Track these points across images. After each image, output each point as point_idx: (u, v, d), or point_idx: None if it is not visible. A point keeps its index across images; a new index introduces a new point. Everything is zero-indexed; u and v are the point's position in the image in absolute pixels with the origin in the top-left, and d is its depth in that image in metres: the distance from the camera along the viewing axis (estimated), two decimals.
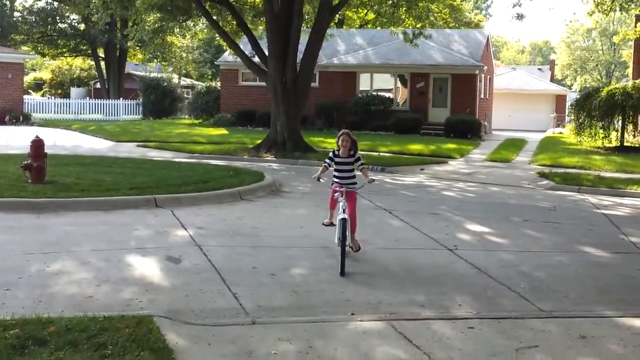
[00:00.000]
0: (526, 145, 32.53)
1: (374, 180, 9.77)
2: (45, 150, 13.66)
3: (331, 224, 9.60)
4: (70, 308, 6.68)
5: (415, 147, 26.92)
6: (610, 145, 30.35)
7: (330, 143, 27.24)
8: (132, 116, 46.56)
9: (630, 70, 41.78)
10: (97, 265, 8.37)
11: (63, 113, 45.17)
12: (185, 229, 10.47)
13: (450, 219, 12.63)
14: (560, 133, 42.57)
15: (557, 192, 17.28)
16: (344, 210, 8.90)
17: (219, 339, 6.16)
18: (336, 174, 9.39)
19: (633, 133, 31.87)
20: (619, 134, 30.84)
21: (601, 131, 30.87)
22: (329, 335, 6.35)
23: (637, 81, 31.92)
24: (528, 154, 27.66)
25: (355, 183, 9.43)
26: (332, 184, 9.42)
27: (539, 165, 23.36)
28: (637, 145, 30.86)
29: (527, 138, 37.32)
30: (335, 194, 9.25)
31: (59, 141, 25.03)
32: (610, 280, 9.05)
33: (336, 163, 9.36)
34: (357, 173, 9.58)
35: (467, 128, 34.73)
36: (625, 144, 30.53)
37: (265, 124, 29.68)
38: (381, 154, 24.68)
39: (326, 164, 9.45)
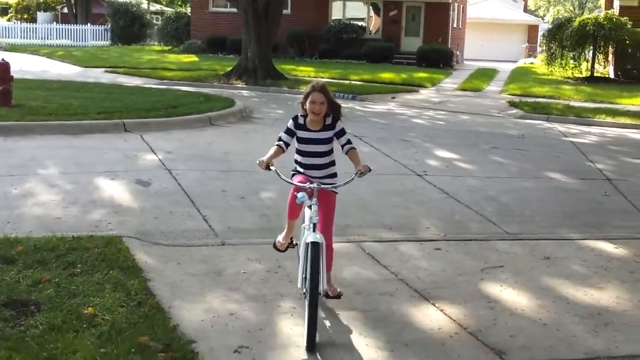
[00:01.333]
0: (497, 75, 32.55)
1: (369, 169, 5.26)
2: (12, 74, 13.40)
3: (290, 245, 5.75)
4: (39, 229, 6.65)
5: (387, 75, 26.79)
6: (581, 75, 30.45)
7: (302, 71, 27.06)
8: (101, 42, 45.63)
9: (602, 2, 41.66)
10: (65, 187, 8.31)
11: (30, 38, 44.14)
12: (155, 153, 10.40)
13: (420, 146, 12.68)
14: (532, 63, 42.59)
15: (526, 120, 17.40)
16: (314, 227, 5.07)
17: (189, 259, 6.20)
18: (301, 159, 5.44)
19: (603, 64, 31.97)
20: (590, 65, 30.91)
21: (572, 61, 30.92)
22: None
23: (609, 12, 31.88)
24: (499, 84, 27.70)
25: (335, 176, 5.52)
26: (293, 175, 5.48)
27: (509, 94, 23.43)
28: (607, 76, 31.02)
29: (499, 68, 37.31)
30: (299, 196, 5.08)
31: (25, 66, 24.52)
32: (575, 205, 9.20)
33: (300, 140, 5.37)
34: (338, 158, 5.58)
35: (439, 57, 34.58)
36: (595, 74, 30.63)
37: (237, 51, 29.24)
38: (352, 82, 24.54)
39: (281, 143, 5.35)
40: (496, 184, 10.02)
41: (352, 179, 5.26)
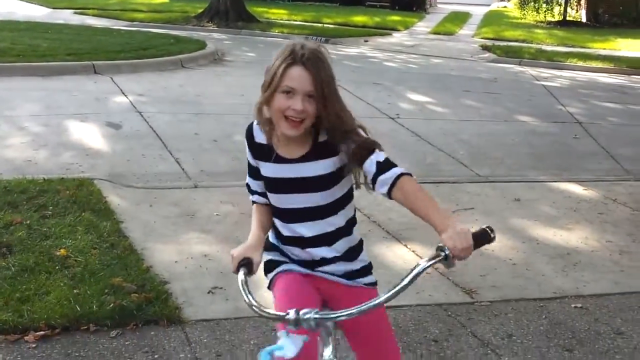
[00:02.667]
0: (470, 19, 32.38)
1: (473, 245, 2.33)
2: None
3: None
4: (9, 172, 6.57)
5: (360, 19, 26.53)
6: (553, 19, 30.40)
7: (274, 14, 26.69)
8: None
9: None
10: (35, 130, 8.19)
11: None
12: (126, 95, 10.26)
13: (392, 89, 12.65)
14: (505, 7, 42.37)
15: (498, 64, 17.40)
16: None
17: (162, 201, 6.18)
18: (279, 225, 2.63)
19: (576, 7, 31.93)
20: (562, 9, 30.86)
21: (545, 5, 30.86)
22: None
23: None
24: (472, 27, 27.59)
25: (357, 253, 2.68)
26: (273, 280, 2.71)
27: (482, 38, 23.38)
28: (579, 20, 31.00)
29: (472, 12, 37.07)
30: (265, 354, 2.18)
31: None
32: (546, 148, 9.28)
33: (268, 183, 2.59)
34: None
35: (413, 0, 34.28)
36: (568, 18, 30.59)
37: None
38: (325, 25, 24.29)
39: (255, 198, 2.67)
40: (468, 127, 10.06)
41: (425, 267, 2.27)
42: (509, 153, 8.88)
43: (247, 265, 2.40)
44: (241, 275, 2.37)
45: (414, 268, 2.24)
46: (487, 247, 5.72)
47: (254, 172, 2.62)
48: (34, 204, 5.58)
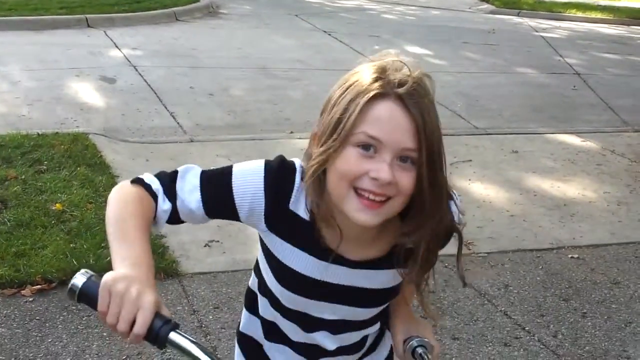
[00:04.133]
0: None
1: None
2: None
3: None
4: (3, 127, 6.50)
5: None
6: None
7: None
8: None
9: None
10: (29, 85, 8.10)
11: None
12: (120, 49, 10.14)
13: (390, 41, 12.50)
14: None
15: (497, 15, 17.20)
16: None
17: (157, 156, 6.14)
18: (290, 329, 1.70)
19: None
20: None
21: None
22: (268, 152, 6.37)
23: None
24: None
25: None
26: None
27: None
28: None
29: None
30: None
31: None
32: (545, 100, 9.22)
33: (294, 281, 1.59)
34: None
35: None
36: None
37: None
38: None
39: (164, 203, 1.54)
40: (466, 79, 9.97)
41: None
42: (507, 105, 8.81)
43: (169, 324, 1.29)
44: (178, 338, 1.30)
45: None
46: (484, 199, 5.75)
47: (220, 210, 1.54)
48: (28, 158, 5.54)
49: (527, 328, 4.03)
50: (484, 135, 7.48)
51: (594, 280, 4.64)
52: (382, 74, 1.38)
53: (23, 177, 5.22)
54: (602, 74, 10.97)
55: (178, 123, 7.19)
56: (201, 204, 1.51)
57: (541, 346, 3.87)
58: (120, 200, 1.48)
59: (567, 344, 3.90)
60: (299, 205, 1.51)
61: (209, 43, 11.25)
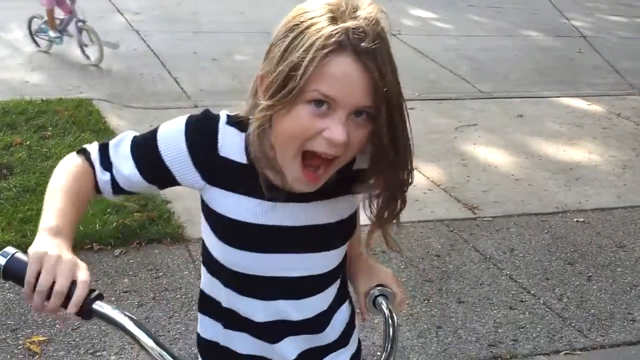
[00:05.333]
0: None
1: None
2: None
3: None
4: (6, 92, 6.48)
5: None
6: None
7: None
8: None
9: None
10: (31, 51, 8.06)
11: None
12: (122, 14, 10.05)
13: (394, 4, 12.36)
14: None
15: None
16: None
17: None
18: (225, 296, 1.54)
19: None
20: None
21: None
22: None
23: None
24: None
25: (347, 340, 1.66)
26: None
27: None
28: None
29: None
30: None
31: None
32: (550, 63, 9.15)
33: (244, 235, 1.46)
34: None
35: None
36: None
37: None
38: None
39: (104, 173, 1.51)
40: (472, 42, 9.89)
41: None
42: (513, 68, 8.75)
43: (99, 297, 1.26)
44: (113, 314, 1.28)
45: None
46: (489, 164, 5.73)
47: (156, 174, 1.47)
48: (33, 124, 5.53)
49: (532, 291, 4.04)
50: (489, 99, 7.44)
51: (599, 244, 4.64)
52: (336, 18, 1.24)
53: (28, 143, 5.21)
54: (608, 36, 10.88)
55: (182, 88, 7.16)
56: (137, 172, 1.45)
57: (547, 309, 3.88)
58: (58, 172, 1.45)
59: (572, 307, 3.91)
60: (230, 150, 1.41)
61: (212, 7, 11.15)
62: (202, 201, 1.49)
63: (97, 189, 1.50)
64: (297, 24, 1.27)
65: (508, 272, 4.20)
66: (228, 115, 1.45)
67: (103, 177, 1.48)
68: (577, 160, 6.00)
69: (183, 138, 1.42)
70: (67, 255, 1.23)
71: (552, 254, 4.47)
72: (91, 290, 1.23)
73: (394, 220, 1.46)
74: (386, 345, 1.54)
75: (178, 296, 3.80)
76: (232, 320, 1.53)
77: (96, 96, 6.48)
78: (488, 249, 4.48)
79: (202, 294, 1.59)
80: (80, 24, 7.69)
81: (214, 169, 1.41)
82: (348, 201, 1.48)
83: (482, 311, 3.84)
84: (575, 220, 4.95)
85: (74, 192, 1.41)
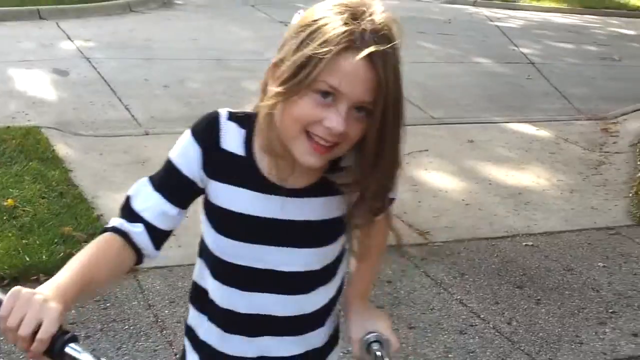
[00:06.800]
0: None
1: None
2: None
3: None
4: None
5: None
6: None
7: None
8: None
9: None
10: None
11: None
12: (72, 41, 9.97)
13: None
14: None
15: (452, 5, 17.27)
16: None
17: (111, 149, 6.06)
18: (214, 288, 1.63)
19: None
20: None
21: None
22: None
23: None
24: None
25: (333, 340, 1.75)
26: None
27: None
28: None
29: None
30: None
31: None
32: (500, 89, 9.31)
33: (237, 225, 1.56)
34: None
35: None
36: None
37: None
38: None
39: (134, 224, 1.55)
40: (422, 69, 10.00)
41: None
42: (463, 95, 8.88)
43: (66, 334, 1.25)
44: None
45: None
46: (440, 189, 5.79)
47: (181, 191, 1.55)
48: None
49: (482, 316, 4.07)
50: (440, 125, 7.53)
51: (548, 267, 4.70)
52: (351, 20, 1.35)
53: None
54: (556, 62, 11.11)
55: (132, 115, 7.10)
56: (165, 200, 1.53)
57: (496, 333, 3.91)
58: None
59: (521, 331, 3.95)
60: (231, 143, 1.52)
61: (163, 34, 11.13)
62: (204, 200, 1.58)
63: (136, 252, 1.53)
64: (316, 20, 1.38)
65: (458, 297, 4.23)
66: (229, 112, 1.56)
67: (136, 229, 1.52)
68: (526, 184, 6.09)
69: (192, 140, 1.53)
70: (41, 296, 1.25)
71: (502, 277, 4.51)
72: (64, 332, 1.23)
73: (390, 231, 1.65)
74: None
75: (126, 327, 3.74)
76: (214, 312, 1.61)
77: (45, 124, 6.39)
78: (439, 273, 4.51)
79: (194, 285, 1.68)
80: None
81: (216, 162, 1.52)
82: (341, 201, 1.55)
83: (433, 336, 3.86)
84: (524, 244, 5.02)
85: (91, 255, 1.44)
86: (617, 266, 4.77)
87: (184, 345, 1.74)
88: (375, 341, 1.61)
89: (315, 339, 1.66)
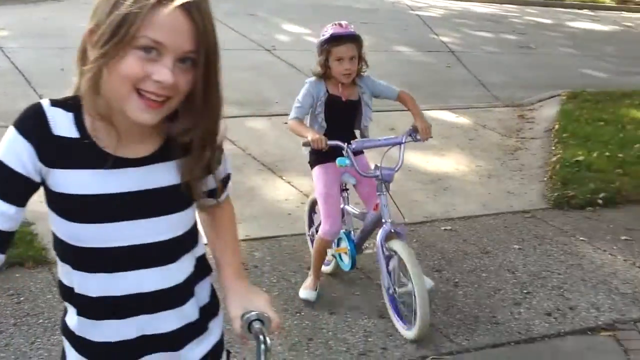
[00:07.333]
0: None
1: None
2: None
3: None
4: None
5: None
6: None
7: None
8: None
9: None
10: None
11: None
12: None
13: (269, 20, 12.47)
14: None
15: None
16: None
17: None
18: (93, 284, 1.56)
19: None
20: None
21: None
22: None
23: None
24: None
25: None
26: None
27: None
28: None
29: None
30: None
31: None
32: (421, 77, 9.42)
33: (85, 208, 1.51)
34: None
35: None
36: None
37: None
38: None
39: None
40: None
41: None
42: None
43: None
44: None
45: None
46: None
47: (16, 189, 1.48)
48: None
49: None
50: None
51: (465, 250, 4.79)
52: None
53: None
54: (475, 51, 11.32)
55: None
56: (2, 201, 1.46)
57: None
58: None
59: (439, 314, 4.01)
60: (62, 128, 1.48)
61: (80, 22, 10.79)
62: (45, 191, 1.51)
63: None
64: None
65: (378, 282, 4.26)
66: (50, 100, 1.51)
67: None
68: (446, 170, 6.19)
69: (19, 136, 1.46)
70: None
71: (421, 262, 4.54)
72: None
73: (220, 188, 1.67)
74: None
75: (40, 321, 3.65)
76: (85, 304, 1.56)
77: None
78: (358, 259, 4.53)
79: (59, 283, 1.62)
80: None
81: (51, 151, 1.46)
82: (183, 165, 1.55)
83: (353, 321, 3.88)
84: (442, 228, 5.10)
85: None
86: (532, 248, 4.90)
87: (63, 346, 1.67)
88: (256, 319, 1.61)
89: (190, 310, 1.64)
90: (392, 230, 3.74)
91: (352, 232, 4.17)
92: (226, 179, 1.73)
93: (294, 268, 4.39)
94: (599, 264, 4.70)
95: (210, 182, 1.64)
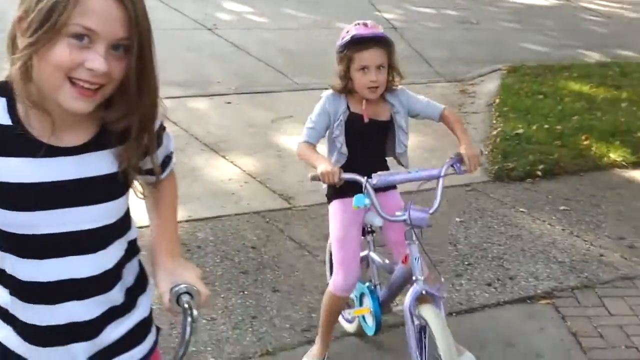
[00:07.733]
0: None
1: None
2: None
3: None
4: None
5: None
6: None
7: None
8: None
9: None
10: None
11: None
12: None
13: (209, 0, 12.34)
14: None
15: None
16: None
17: None
18: (25, 268, 1.55)
19: None
20: None
21: None
22: None
23: None
24: None
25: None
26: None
27: None
28: None
29: None
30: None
31: None
32: None
33: (20, 196, 1.50)
34: None
35: None
36: None
37: None
38: None
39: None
40: (288, 35, 10.02)
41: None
42: (328, 60, 8.83)
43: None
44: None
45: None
46: None
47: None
48: None
49: None
50: (304, 90, 7.56)
51: None
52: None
53: None
54: (417, 27, 11.36)
55: None
56: None
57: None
58: None
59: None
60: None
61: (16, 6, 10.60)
62: None
63: None
64: None
65: (321, 258, 4.29)
66: None
67: None
68: None
69: None
70: None
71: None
72: None
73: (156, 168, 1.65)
74: (182, 340, 1.57)
75: None
76: (16, 287, 1.54)
77: None
78: (303, 237, 4.56)
79: None
80: None
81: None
82: (111, 157, 1.54)
83: (297, 298, 3.90)
84: None
85: None
86: (473, 221, 4.98)
87: None
88: (185, 292, 1.60)
89: (116, 294, 1.63)
90: (424, 292, 2.85)
91: (379, 287, 3.37)
92: (168, 158, 1.73)
93: (237, 247, 4.38)
94: (538, 234, 4.80)
95: (149, 163, 1.63)
